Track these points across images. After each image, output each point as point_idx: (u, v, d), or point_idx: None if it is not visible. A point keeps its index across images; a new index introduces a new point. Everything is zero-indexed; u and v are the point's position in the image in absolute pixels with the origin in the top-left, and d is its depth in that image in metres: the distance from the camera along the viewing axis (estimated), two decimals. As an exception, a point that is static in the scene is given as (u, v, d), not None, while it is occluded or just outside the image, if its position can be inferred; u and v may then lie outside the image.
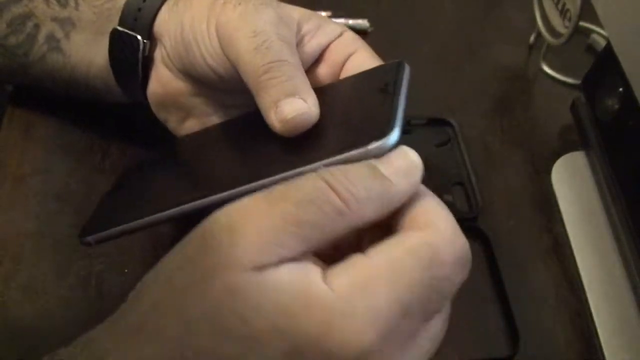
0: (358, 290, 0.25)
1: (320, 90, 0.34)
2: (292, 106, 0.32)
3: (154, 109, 0.42)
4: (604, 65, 0.46)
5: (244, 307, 0.24)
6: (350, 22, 0.56)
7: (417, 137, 0.49)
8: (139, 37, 0.39)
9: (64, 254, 0.41)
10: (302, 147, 0.32)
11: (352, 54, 0.38)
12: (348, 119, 0.33)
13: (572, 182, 0.47)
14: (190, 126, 0.41)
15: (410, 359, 0.26)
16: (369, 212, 0.26)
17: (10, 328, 0.38)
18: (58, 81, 0.43)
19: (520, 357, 0.39)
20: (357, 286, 0.25)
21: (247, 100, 0.37)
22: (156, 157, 0.42)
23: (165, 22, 0.39)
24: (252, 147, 0.35)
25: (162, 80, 0.40)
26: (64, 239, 0.41)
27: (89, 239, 0.35)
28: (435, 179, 0.46)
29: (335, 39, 0.39)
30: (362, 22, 0.57)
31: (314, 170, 0.27)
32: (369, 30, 0.57)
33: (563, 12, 0.50)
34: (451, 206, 0.46)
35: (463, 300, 0.42)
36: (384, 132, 0.28)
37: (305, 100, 0.33)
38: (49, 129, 0.47)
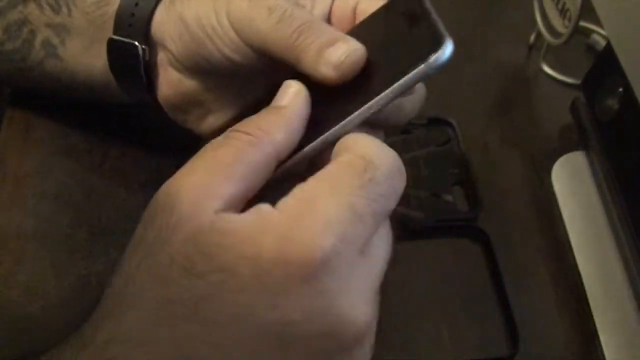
0: (305, 204, 0.27)
1: (350, 33, 0.35)
2: (340, 50, 0.33)
3: (169, 112, 0.41)
4: (604, 65, 0.46)
5: (208, 245, 0.26)
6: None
7: (417, 137, 0.49)
8: (136, 43, 0.39)
9: (64, 254, 0.41)
10: (363, 85, 0.32)
11: (356, 5, 0.38)
12: (393, 48, 0.33)
13: (572, 182, 0.47)
14: (211, 122, 0.41)
15: (370, 264, 0.28)
16: (277, 135, 0.29)
17: (10, 328, 0.38)
18: (58, 85, 0.43)
19: (520, 357, 0.39)
20: (303, 201, 0.27)
21: (265, 82, 0.38)
22: None
23: (163, 24, 0.39)
24: (323, 99, 0.34)
25: (173, 82, 0.40)
26: (64, 239, 0.41)
27: None
28: (435, 179, 0.46)
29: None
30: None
31: (386, 98, 0.30)
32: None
33: (563, 12, 0.50)
34: (451, 206, 0.46)
35: (463, 300, 0.42)
36: (439, 44, 0.29)
37: (347, 42, 0.34)
38: (48, 130, 0.47)
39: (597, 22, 0.45)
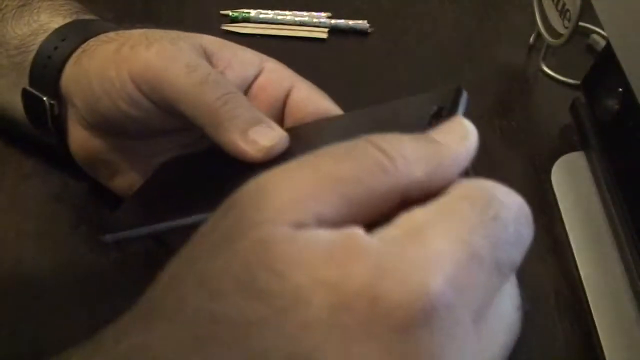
0: (411, 234, 0.21)
1: (361, 113, 0.34)
2: (266, 135, 0.33)
3: (82, 167, 0.41)
4: (604, 65, 0.46)
5: (279, 261, 0.20)
6: (351, 22, 0.56)
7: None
8: (44, 98, 0.38)
9: (64, 254, 0.41)
10: None
11: (291, 89, 0.37)
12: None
13: (572, 182, 0.47)
14: (120, 182, 0.40)
15: (485, 341, 0.21)
16: (419, 173, 0.23)
17: (11, 328, 0.37)
18: None
19: (520, 357, 0.39)
20: (409, 231, 0.21)
21: (173, 142, 0.37)
22: (184, 155, 0.39)
23: (71, 79, 0.38)
24: (288, 156, 0.33)
25: (80, 140, 0.39)
26: (64, 239, 0.41)
27: (108, 237, 0.33)
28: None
29: (259, 71, 0.38)
30: (362, 23, 0.57)
31: None
32: (369, 30, 0.57)
33: (563, 13, 0.50)
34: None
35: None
36: None
37: (271, 127, 0.33)
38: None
39: (597, 22, 0.45)
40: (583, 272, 0.42)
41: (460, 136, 0.25)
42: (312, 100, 0.37)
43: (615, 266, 0.42)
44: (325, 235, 0.21)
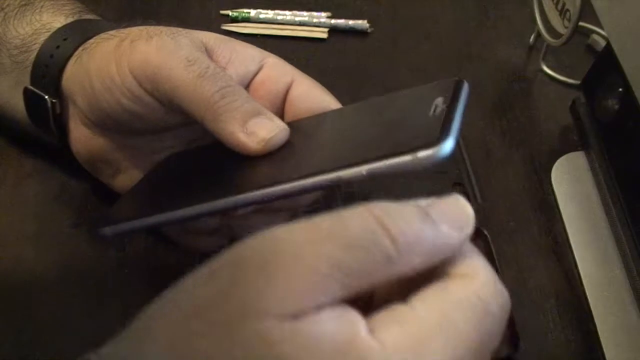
0: (411, 347, 0.22)
1: (363, 104, 0.34)
2: (265, 126, 0.33)
3: (84, 166, 0.41)
4: (604, 65, 0.46)
5: (279, 359, 0.21)
6: (351, 22, 0.56)
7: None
8: (46, 97, 0.38)
9: (64, 254, 0.41)
10: (342, 152, 0.30)
11: (291, 84, 0.37)
12: (393, 129, 0.30)
13: (572, 182, 0.47)
14: (123, 181, 0.40)
15: None
16: (418, 261, 0.24)
17: (11, 328, 0.37)
18: None
19: (520, 357, 0.39)
20: (410, 343, 0.22)
21: (175, 140, 0.37)
22: (185, 150, 0.40)
23: (72, 77, 0.38)
24: (289, 149, 0.33)
25: (82, 139, 0.39)
26: (64, 240, 0.41)
27: (107, 230, 0.33)
28: (435, 179, 0.46)
29: (259, 67, 0.38)
30: (362, 23, 0.57)
31: (359, 174, 0.25)
32: (369, 30, 0.57)
33: (563, 12, 0.50)
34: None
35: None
36: (436, 141, 0.26)
37: (271, 119, 0.33)
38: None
39: (597, 22, 0.45)
40: (583, 272, 0.42)
41: (460, 225, 0.25)
42: (312, 95, 0.37)
43: (615, 266, 0.42)
44: (328, 331, 0.21)
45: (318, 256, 0.22)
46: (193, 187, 0.35)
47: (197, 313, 0.22)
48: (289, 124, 0.34)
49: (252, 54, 0.38)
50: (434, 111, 0.29)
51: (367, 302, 0.25)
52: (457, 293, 0.24)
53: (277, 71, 0.38)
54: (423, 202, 0.25)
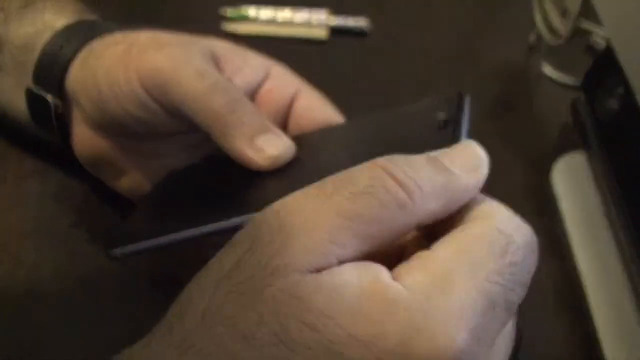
0: (436, 286, 0.22)
1: (366, 119, 0.34)
2: (273, 144, 0.33)
3: (86, 168, 0.41)
4: (604, 65, 0.46)
5: (308, 312, 0.21)
6: (351, 22, 0.56)
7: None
8: (48, 98, 0.38)
9: (63, 254, 0.41)
10: (349, 167, 0.31)
11: (296, 96, 0.38)
12: (398, 144, 0.30)
13: (572, 182, 0.47)
14: (126, 183, 0.40)
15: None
16: (434, 205, 0.24)
17: (10, 329, 0.38)
18: None
19: (520, 357, 0.39)
20: (435, 282, 0.22)
21: (179, 143, 0.37)
22: (190, 164, 0.39)
23: (78, 79, 0.38)
24: (297, 164, 0.34)
25: (86, 141, 0.39)
26: (64, 240, 0.41)
27: (117, 252, 0.32)
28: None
29: (265, 76, 0.38)
30: (362, 22, 0.56)
31: None
32: (369, 30, 0.57)
33: (563, 12, 0.50)
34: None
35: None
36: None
37: (279, 136, 0.33)
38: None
39: (597, 22, 0.45)
40: (583, 272, 0.42)
41: (473, 165, 0.26)
42: (317, 109, 0.37)
43: (615, 266, 0.42)
44: (351, 280, 0.22)
45: (326, 210, 0.23)
46: (203, 202, 0.35)
47: (221, 279, 0.23)
48: (295, 138, 0.35)
49: (258, 63, 0.39)
50: (440, 126, 0.29)
51: (398, 262, 0.24)
52: (476, 229, 0.24)
53: (282, 82, 0.38)
54: (433, 153, 0.25)
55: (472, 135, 0.49)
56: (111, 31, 0.39)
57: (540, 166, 0.48)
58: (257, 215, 0.24)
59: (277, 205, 0.24)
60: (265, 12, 0.56)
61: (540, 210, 0.46)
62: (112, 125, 0.37)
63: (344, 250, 0.23)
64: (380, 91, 0.52)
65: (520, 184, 0.48)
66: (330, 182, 0.24)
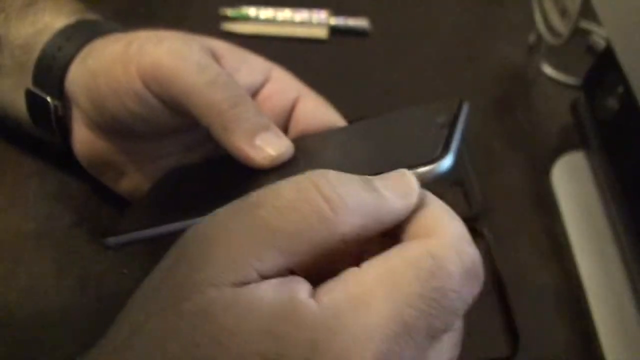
0: (349, 305, 0.22)
1: (366, 123, 0.34)
2: (273, 143, 0.33)
3: (86, 169, 0.41)
4: (604, 65, 0.46)
5: (220, 330, 0.22)
6: (351, 22, 0.56)
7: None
8: (48, 99, 0.38)
9: (63, 254, 0.41)
10: (345, 170, 0.32)
11: (297, 100, 0.37)
12: (395, 147, 0.32)
13: (572, 182, 0.47)
14: (126, 184, 0.40)
15: None
16: (359, 221, 0.24)
17: (10, 329, 0.38)
18: None
19: (520, 357, 0.39)
20: (350, 301, 0.22)
21: (179, 144, 0.37)
22: (189, 164, 0.40)
23: (76, 79, 0.38)
24: (293, 165, 0.34)
25: (86, 141, 0.39)
26: (64, 239, 0.41)
27: (110, 240, 0.33)
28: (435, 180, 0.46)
29: (266, 79, 0.38)
30: (363, 22, 0.56)
31: None
32: (370, 30, 0.57)
33: (563, 12, 0.50)
34: (450, 206, 0.46)
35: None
36: (436, 157, 0.27)
37: (278, 136, 0.33)
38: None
39: (597, 22, 0.45)
40: (583, 272, 0.42)
41: (403, 193, 0.25)
42: (318, 113, 0.37)
43: (615, 266, 0.42)
44: (266, 297, 0.22)
45: (250, 224, 0.23)
46: (198, 197, 0.35)
47: (148, 295, 0.24)
48: (294, 140, 0.35)
49: (259, 65, 0.38)
50: (436, 130, 0.30)
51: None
52: (407, 252, 0.24)
53: (283, 85, 0.38)
54: (369, 177, 0.26)
55: (472, 135, 0.49)
56: (112, 31, 0.39)
57: (540, 166, 0.48)
58: (186, 231, 0.25)
59: (207, 218, 0.24)
60: (265, 12, 0.57)
61: (540, 210, 0.46)
62: (111, 125, 0.37)
63: (265, 265, 0.23)
64: (380, 91, 0.52)
65: (520, 184, 0.48)
66: (256, 196, 0.24)
